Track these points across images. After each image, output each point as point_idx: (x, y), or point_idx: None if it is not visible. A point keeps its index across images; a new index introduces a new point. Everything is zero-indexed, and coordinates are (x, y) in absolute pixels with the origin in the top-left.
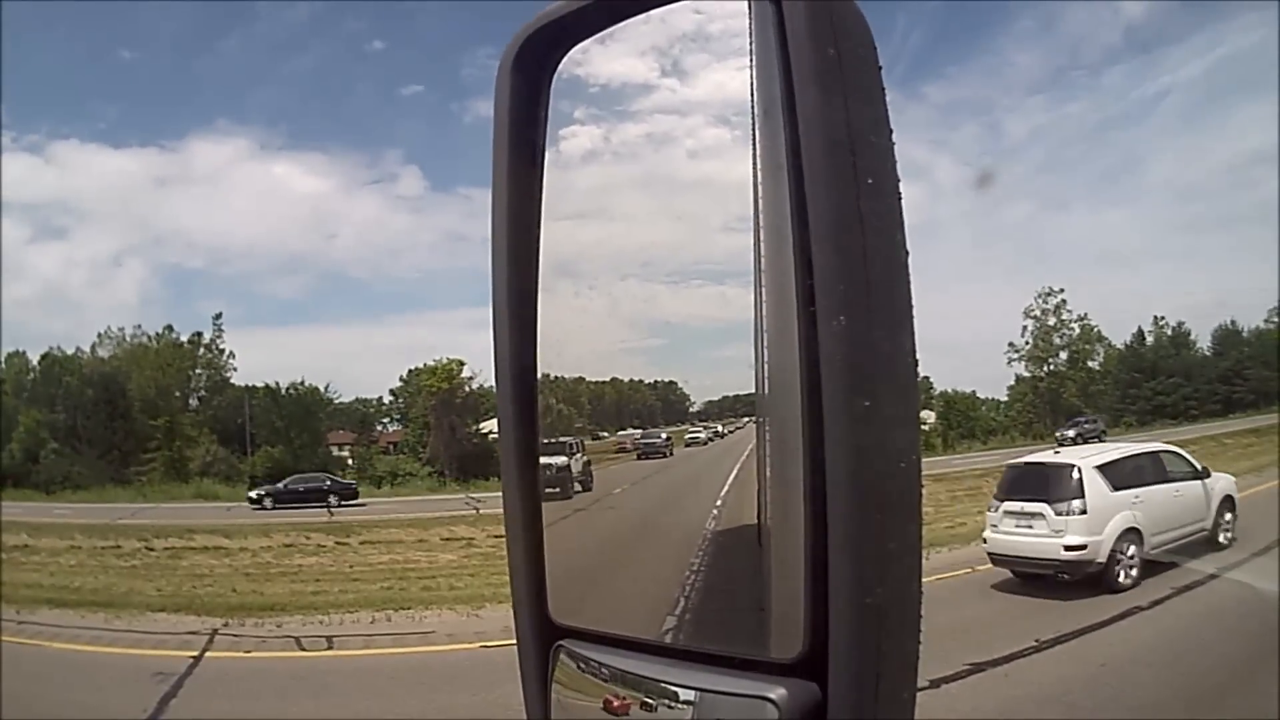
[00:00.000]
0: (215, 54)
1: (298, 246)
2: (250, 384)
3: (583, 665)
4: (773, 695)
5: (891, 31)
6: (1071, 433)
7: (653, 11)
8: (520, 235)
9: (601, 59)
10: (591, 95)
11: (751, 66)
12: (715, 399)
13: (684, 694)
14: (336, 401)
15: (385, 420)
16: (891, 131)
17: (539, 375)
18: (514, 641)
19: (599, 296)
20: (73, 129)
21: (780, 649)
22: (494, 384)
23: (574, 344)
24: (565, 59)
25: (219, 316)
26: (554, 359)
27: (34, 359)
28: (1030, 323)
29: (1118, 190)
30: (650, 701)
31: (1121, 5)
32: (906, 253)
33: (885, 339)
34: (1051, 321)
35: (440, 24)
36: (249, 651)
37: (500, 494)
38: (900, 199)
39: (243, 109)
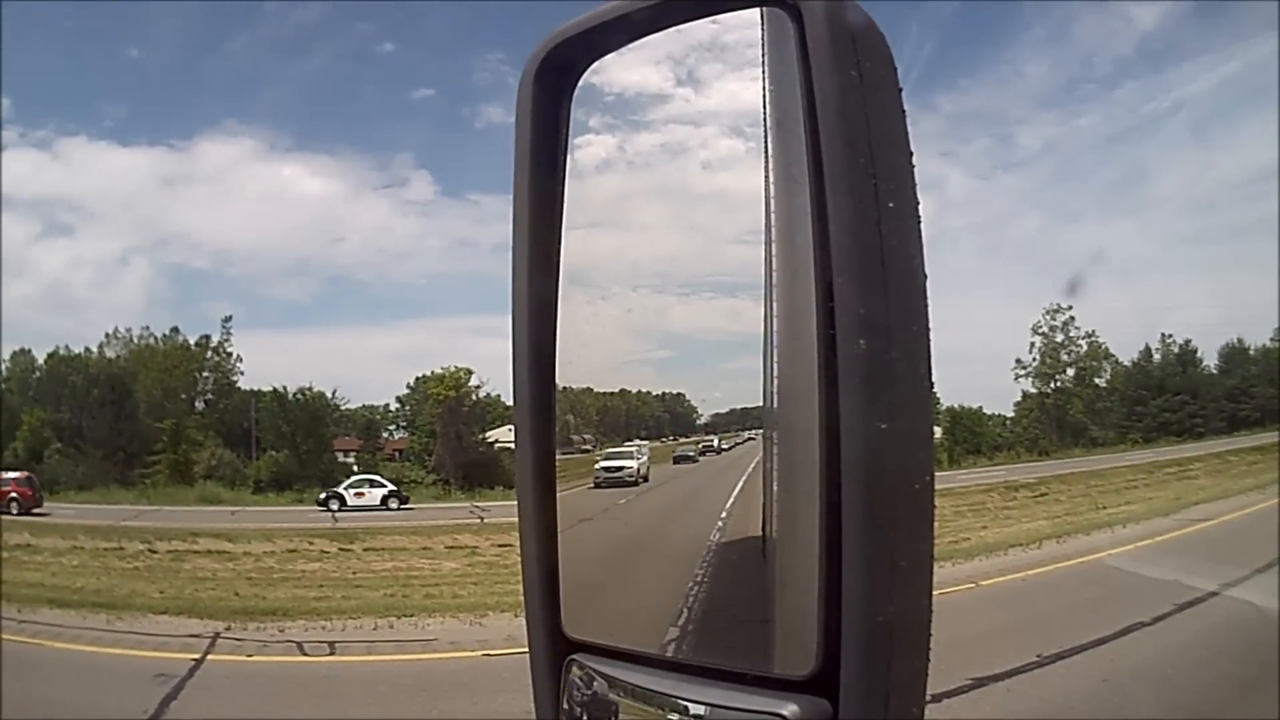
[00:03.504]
0: (224, 54)
1: (305, 249)
2: (256, 388)
3: (595, 679)
4: (785, 712)
5: (904, 41)
6: None
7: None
8: (541, 246)
9: (617, 68)
10: (607, 104)
11: (764, 77)
12: (723, 411)
13: (695, 709)
14: (343, 407)
15: (391, 427)
16: (912, 153)
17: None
18: (516, 650)
19: (610, 306)
20: (80, 126)
21: (792, 665)
22: (511, 394)
23: (584, 354)
24: (586, 71)
25: (228, 319)
26: (564, 368)
27: (40, 358)
28: (1038, 339)
29: (1127, 204)
30: (662, 716)
31: (1134, 16)
32: (925, 276)
33: (903, 361)
34: (1059, 338)
35: (451, 27)
36: (251, 656)
37: (504, 503)
38: (919, 221)
39: (251, 109)
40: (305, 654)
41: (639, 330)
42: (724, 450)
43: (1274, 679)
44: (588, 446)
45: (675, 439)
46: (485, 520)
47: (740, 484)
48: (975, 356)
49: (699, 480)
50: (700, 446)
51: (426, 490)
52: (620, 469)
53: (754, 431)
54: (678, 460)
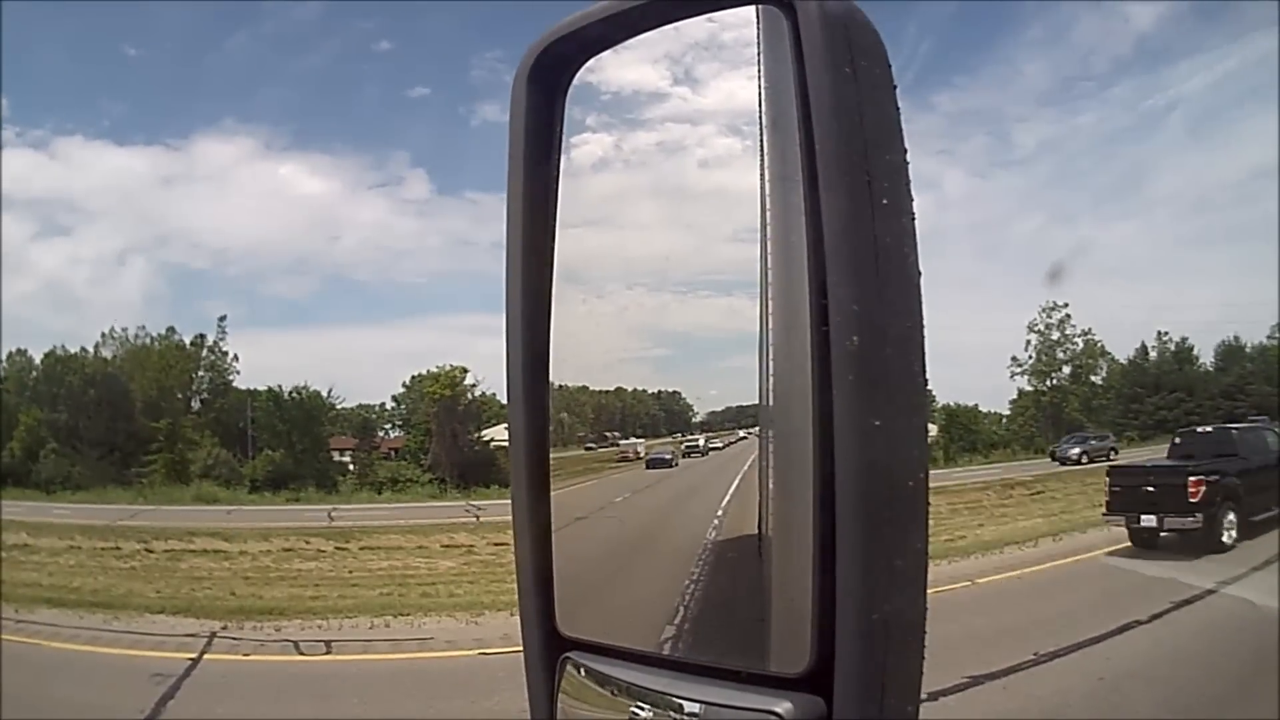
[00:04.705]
0: (222, 52)
1: (302, 248)
2: (253, 387)
3: (589, 677)
4: (779, 709)
5: (902, 39)
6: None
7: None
8: (535, 244)
9: (614, 66)
10: (604, 103)
11: (760, 76)
12: (718, 409)
13: (689, 706)
14: (339, 406)
15: (387, 426)
16: (906, 151)
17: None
18: (512, 649)
19: (606, 304)
20: (77, 125)
21: (786, 663)
22: (505, 393)
23: (580, 352)
24: (580, 70)
25: (223, 318)
26: (560, 367)
27: (37, 357)
28: (1034, 337)
29: (1125, 203)
30: (656, 714)
31: (1132, 15)
32: (919, 273)
33: (897, 359)
34: (1055, 336)
35: (449, 25)
36: (247, 655)
37: (500, 502)
38: (913, 219)
39: (249, 108)
40: (302, 653)
41: (635, 328)
42: (715, 449)
43: (1272, 678)
44: (620, 440)
45: (683, 436)
46: (481, 519)
47: (720, 509)
48: (971, 354)
49: (662, 499)
50: (683, 446)
51: (423, 489)
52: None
53: (748, 430)
54: (652, 465)
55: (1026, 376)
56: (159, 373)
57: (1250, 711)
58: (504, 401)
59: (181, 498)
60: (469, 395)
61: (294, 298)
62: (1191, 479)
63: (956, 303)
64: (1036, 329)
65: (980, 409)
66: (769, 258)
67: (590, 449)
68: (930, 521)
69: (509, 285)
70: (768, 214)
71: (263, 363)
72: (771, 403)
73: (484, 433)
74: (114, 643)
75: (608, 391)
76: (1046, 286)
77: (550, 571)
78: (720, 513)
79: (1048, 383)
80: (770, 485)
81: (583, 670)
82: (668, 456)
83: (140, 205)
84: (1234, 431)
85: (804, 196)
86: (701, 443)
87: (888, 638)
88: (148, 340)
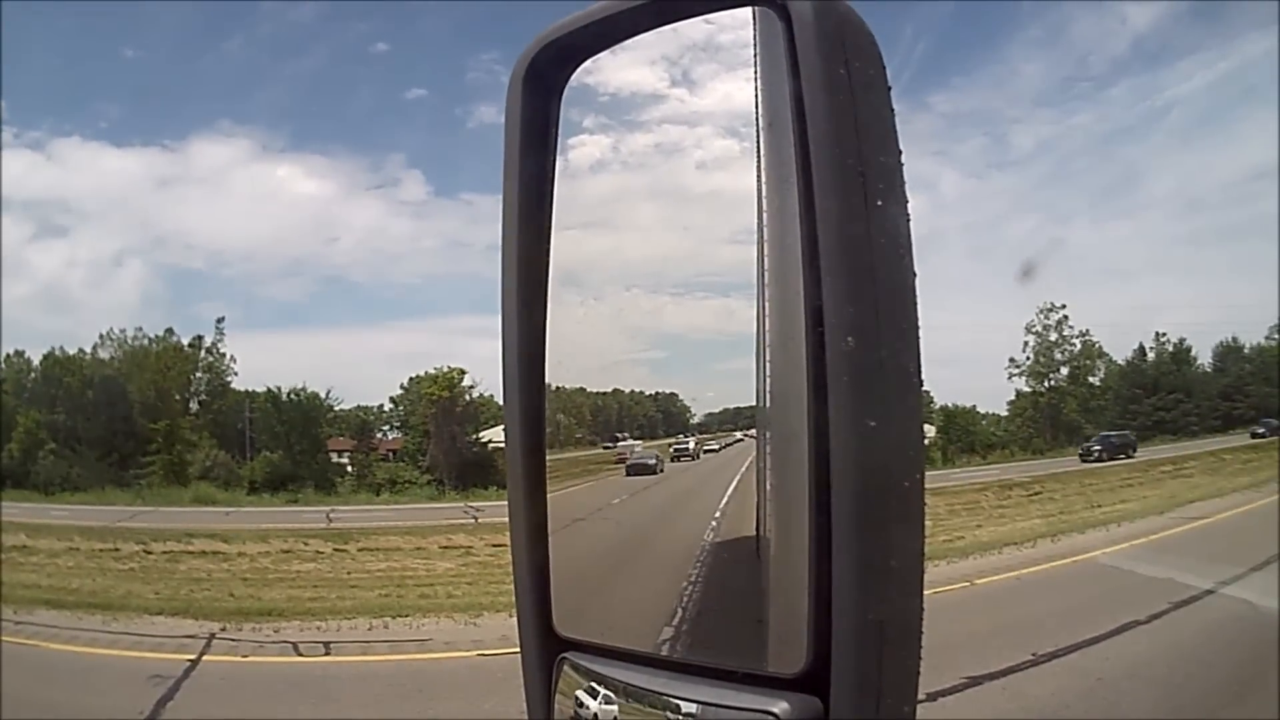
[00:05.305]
0: (218, 54)
1: (299, 250)
2: (251, 389)
3: (586, 677)
4: (775, 709)
5: (899, 40)
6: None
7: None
8: (531, 246)
9: (612, 68)
10: (600, 104)
11: (756, 77)
12: (715, 411)
13: (686, 707)
14: (337, 408)
15: (385, 428)
16: (900, 152)
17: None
18: (511, 650)
19: (603, 306)
20: (75, 127)
21: (782, 663)
22: (501, 394)
23: (577, 354)
24: (576, 71)
25: (221, 320)
26: (557, 368)
27: (35, 359)
28: (1032, 338)
29: (1121, 203)
30: (653, 714)
31: (1129, 16)
32: (914, 274)
33: (891, 360)
34: (1053, 337)
35: (445, 27)
36: (246, 656)
37: (498, 503)
38: (908, 220)
39: (245, 110)
40: (300, 654)
41: (632, 330)
42: (711, 450)
43: (1271, 678)
44: (629, 439)
45: (683, 437)
46: (479, 520)
47: (718, 511)
48: (969, 355)
49: (658, 501)
50: (671, 449)
51: (421, 490)
52: None
53: (745, 432)
54: (632, 471)
55: (1024, 378)
56: (157, 374)
57: (1249, 712)
58: (502, 403)
59: (180, 499)
60: (467, 397)
61: (291, 299)
62: None
63: (953, 304)
64: (1034, 330)
65: (978, 410)
66: (765, 260)
67: (608, 448)
68: (928, 522)
69: (504, 286)
70: (764, 216)
71: (261, 364)
72: (768, 404)
73: (482, 434)
74: (112, 644)
75: (604, 393)
76: (1019, 284)
77: (547, 572)
78: (718, 515)
79: (1045, 384)
80: (767, 486)
81: (580, 670)
82: (651, 461)
83: (137, 207)
84: None
85: (799, 198)
86: (692, 445)
87: (884, 638)
88: (145, 342)
